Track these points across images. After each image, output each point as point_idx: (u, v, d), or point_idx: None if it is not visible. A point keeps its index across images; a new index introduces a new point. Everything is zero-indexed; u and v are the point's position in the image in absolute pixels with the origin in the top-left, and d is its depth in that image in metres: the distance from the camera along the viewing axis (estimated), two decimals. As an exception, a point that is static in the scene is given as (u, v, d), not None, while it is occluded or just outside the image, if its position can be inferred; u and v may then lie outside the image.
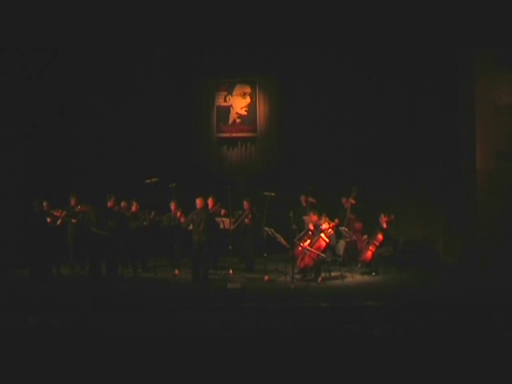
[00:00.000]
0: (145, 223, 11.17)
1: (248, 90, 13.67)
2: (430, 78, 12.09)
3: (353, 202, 11.72)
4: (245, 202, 11.25)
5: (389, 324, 5.93)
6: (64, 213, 10.90)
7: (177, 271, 11.03)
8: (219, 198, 11.24)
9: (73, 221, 11.08)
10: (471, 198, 11.23)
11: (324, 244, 10.32)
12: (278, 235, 10.40)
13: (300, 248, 10.42)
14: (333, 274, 10.65)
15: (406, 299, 8.82)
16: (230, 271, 10.93)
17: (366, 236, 11.19)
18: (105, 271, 10.50)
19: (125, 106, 13.09)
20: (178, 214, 11.00)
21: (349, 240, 11.24)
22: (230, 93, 13.71)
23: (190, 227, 10.49)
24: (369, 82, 12.56)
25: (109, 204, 10.56)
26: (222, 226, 11.13)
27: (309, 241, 10.46)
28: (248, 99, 13.66)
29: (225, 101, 13.72)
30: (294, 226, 10.61)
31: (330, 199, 12.00)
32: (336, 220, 10.75)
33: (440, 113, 12.17)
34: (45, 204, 10.65)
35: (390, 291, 9.49)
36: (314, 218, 10.55)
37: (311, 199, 11.71)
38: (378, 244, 10.82)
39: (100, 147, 13.17)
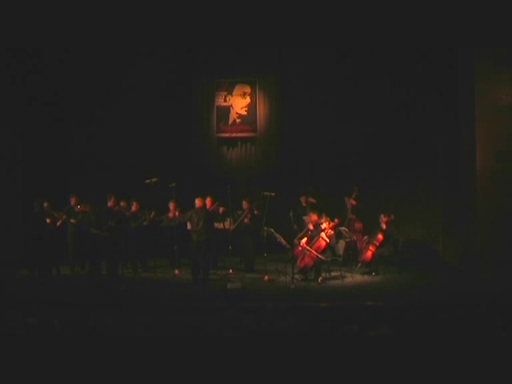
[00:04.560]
0: (145, 223, 11.17)
1: (248, 90, 13.66)
2: (430, 78, 12.09)
3: (353, 202, 11.71)
4: (244, 202, 11.26)
5: (389, 324, 5.92)
6: (64, 216, 10.90)
7: (177, 271, 11.04)
8: (219, 198, 11.23)
9: (72, 221, 11.08)
10: (471, 198, 11.22)
11: (324, 244, 10.33)
12: (278, 235, 10.41)
13: (300, 248, 10.42)
14: (333, 274, 10.66)
15: (406, 299, 8.83)
16: (230, 271, 10.94)
17: (366, 237, 11.19)
18: (105, 271, 10.50)
19: (125, 105, 13.09)
20: (177, 213, 11.00)
21: (349, 240, 11.25)
22: (230, 93, 13.70)
23: (189, 227, 10.50)
24: (369, 81, 12.55)
25: (109, 204, 10.56)
26: (222, 226, 11.14)
27: (305, 238, 10.45)
28: (248, 99, 13.66)
29: (225, 101, 13.71)
30: (296, 227, 10.61)
31: (330, 199, 12.01)
32: (336, 220, 10.75)
33: (440, 113, 12.17)
34: (46, 204, 10.65)
35: (390, 291, 9.50)
36: (314, 217, 10.56)
37: (311, 199, 11.71)
38: (377, 244, 10.82)
39: (100, 147, 13.18)
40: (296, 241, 10.49)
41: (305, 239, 10.46)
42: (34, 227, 10.46)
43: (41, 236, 10.41)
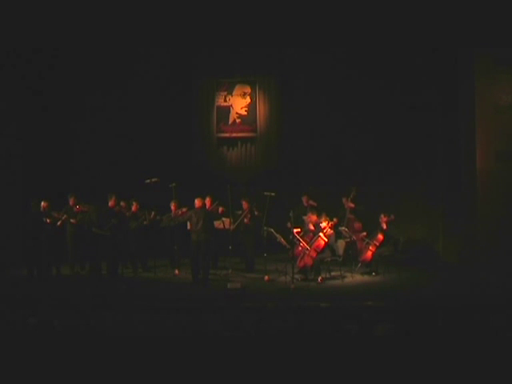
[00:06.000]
0: (145, 223, 11.17)
1: (248, 90, 13.66)
2: (430, 78, 12.09)
3: (352, 205, 11.69)
4: (243, 202, 11.25)
5: (389, 324, 5.92)
6: (64, 216, 10.88)
7: (177, 271, 11.05)
8: (219, 198, 11.23)
9: (72, 221, 11.08)
10: (471, 197, 11.23)
11: (323, 243, 10.33)
12: (278, 235, 10.41)
13: (300, 248, 10.42)
14: (333, 273, 10.65)
15: (406, 299, 8.82)
16: (230, 271, 10.94)
17: (364, 233, 11.16)
18: (105, 271, 10.50)
19: (125, 105, 13.09)
20: (181, 212, 11.00)
21: (348, 240, 11.24)
22: (230, 93, 13.70)
23: (189, 227, 10.50)
24: (368, 81, 12.55)
25: (110, 204, 10.57)
26: (222, 226, 11.14)
27: (298, 229, 10.43)
28: (248, 99, 13.65)
29: (225, 101, 13.71)
30: (289, 224, 10.55)
31: (329, 199, 12.00)
32: (335, 219, 10.74)
33: (440, 113, 12.17)
34: (46, 204, 10.61)
35: (390, 291, 9.49)
36: (314, 217, 10.56)
37: (312, 202, 11.70)
38: (378, 244, 10.81)
39: (100, 147, 13.18)
40: (296, 240, 10.47)
41: (297, 229, 10.45)
42: (32, 227, 10.45)
43: (38, 236, 10.40)
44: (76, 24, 8.95)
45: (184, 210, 10.96)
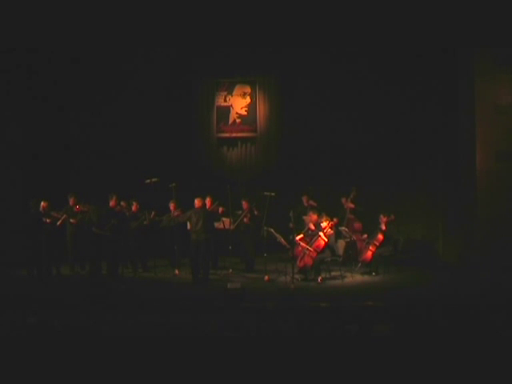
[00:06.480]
0: (145, 223, 11.17)
1: (248, 90, 13.66)
2: (430, 78, 12.08)
3: (351, 205, 11.70)
4: (244, 202, 11.26)
5: (389, 324, 5.92)
6: (64, 216, 10.87)
7: (177, 271, 11.05)
8: (219, 198, 11.23)
9: (71, 221, 11.08)
10: (471, 198, 11.23)
11: (323, 243, 10.33)
12: (278, 235, 10.42)
13: (300, 248, 10.42)
14: (333, 273, 10.65)
15: (406, 299, 8.82)
16: (230, 271, 10.94)
17: (365, 235, 11.17)
18: (105, 271, 10.50)
19: (125, 106, 13.08)
20: (176, 213, 10.99)
21: (348, 240, 11.24)
22: (230, 93, 13.70)
23: (189, 227, 10.50)
24: (369, 81, 12.55)
25: (110, 204, 10.57)
26: (222, 226, 11.14)
27: (301, 235, 10.45)
28: (248, 99, 13.65)
29: (225, 101, 13.71)
30: (291, 225, 10.57)
31: (329, 199, 12.01)
32: (335, 219, 10.74)
33: (440, 113, 12.16)
34: (45, 204, 10.60)
35: (390, 291, 9.49)
36: (314, 217, 10.56)
37: (312, 202, 11.71)
38: (378, 244, 10.81)
39: (100, 147, 13.17)
40: (296, 240, 10.48)
41: (300, 236, 10.46)
42: (31, 227, 10.44)
43: (38, 236, 10.39)
44: (76, 25, 8.95)
45: (177, 212, 10.94)
